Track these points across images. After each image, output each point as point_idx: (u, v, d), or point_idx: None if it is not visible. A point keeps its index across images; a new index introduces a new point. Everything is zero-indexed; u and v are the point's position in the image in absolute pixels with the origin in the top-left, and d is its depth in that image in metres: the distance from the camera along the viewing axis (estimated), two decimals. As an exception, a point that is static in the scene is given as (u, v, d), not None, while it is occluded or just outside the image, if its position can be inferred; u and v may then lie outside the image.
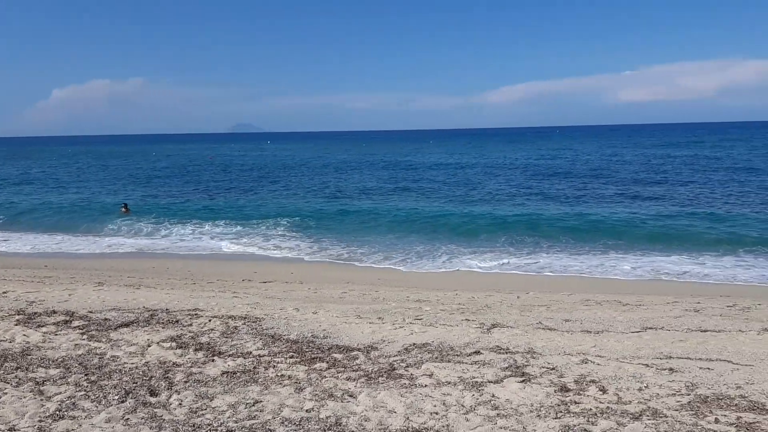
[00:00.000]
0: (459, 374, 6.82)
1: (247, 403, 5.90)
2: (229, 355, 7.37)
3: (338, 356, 7.48)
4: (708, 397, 6.16)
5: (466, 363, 7.21)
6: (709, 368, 7.03)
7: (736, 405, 5.97)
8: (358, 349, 7.72)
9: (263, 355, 7.39)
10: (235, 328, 8.66)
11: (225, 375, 6.69)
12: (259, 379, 6.56)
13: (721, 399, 6.11)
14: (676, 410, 5.86)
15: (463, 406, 5.98)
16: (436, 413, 5.81)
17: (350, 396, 6.15)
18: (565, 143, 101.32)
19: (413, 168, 56.29)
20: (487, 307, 10.59)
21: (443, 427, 5.53)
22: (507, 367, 7.03)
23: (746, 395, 6.18)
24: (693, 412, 5.79)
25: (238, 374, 6.73)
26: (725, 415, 5.72)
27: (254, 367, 6.93)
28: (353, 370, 6.93)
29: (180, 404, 5.87)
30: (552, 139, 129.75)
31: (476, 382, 6.58)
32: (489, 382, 6.59)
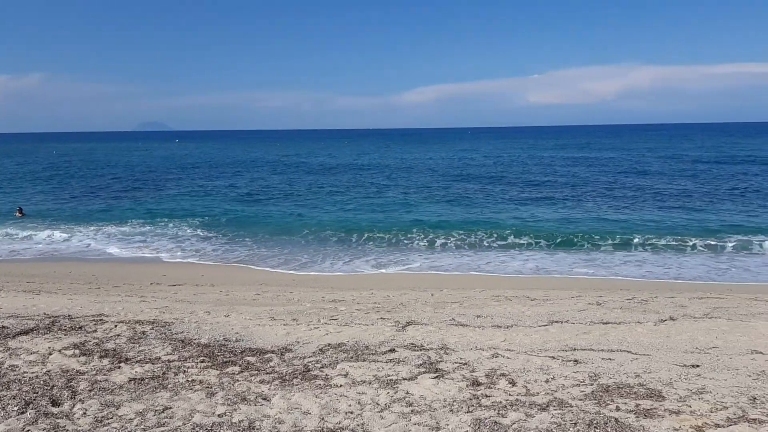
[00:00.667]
0: (374, 373, 6.86)
1: (156, 410, 5.71)
2: (137, 361, 7.10)
3: (251, 359, 7.36)
4: (609, 386, 6.47)
5: (381, 361, 7.25)
6: (610, 359, 7.38)
7: (635, 393, 6.29)
8: (272, 352, 7.63)
9: (173, 361, 7.17)
10: (143, 333, 8.36)
11: (132, 382, 6.45)
12: (169, 385, 6.36)
13: (621, 387, 6.43)
14: (581, 400, 6.11)
15: (378, 404, 6.01)
16: (351, 412, 5.82)
17: (264, 399, 6.06)
18: (475, 144, 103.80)
19: (327, 168, 56.16)
20: (402, 305, 10.70)
21: (358, 425, 5.55)
22: (421, 364, 7.12)
23: (644, 383, 6.53)
24: (596, 401, 6.06)
25: (147, 380, 6.50)
26: (625, 403, 6.03)
27: (163, 373, 6.72)
28: (267, 373, 6.84)
29: (84, 413, 5.61)
30: (463, 139, 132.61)
31: (391, 379, 6.63)
32: (404, 379, 6.66)
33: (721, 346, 7.90)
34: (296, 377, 6.71)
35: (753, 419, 5.59)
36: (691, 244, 19.19)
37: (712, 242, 19.37)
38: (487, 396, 6.18)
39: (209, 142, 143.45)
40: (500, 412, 5.79)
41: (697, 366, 7.07)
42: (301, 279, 15.37)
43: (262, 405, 5.91)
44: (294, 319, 9.40)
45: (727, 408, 5.85)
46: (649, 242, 19.69)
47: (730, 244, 19.15)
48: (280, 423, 5.51)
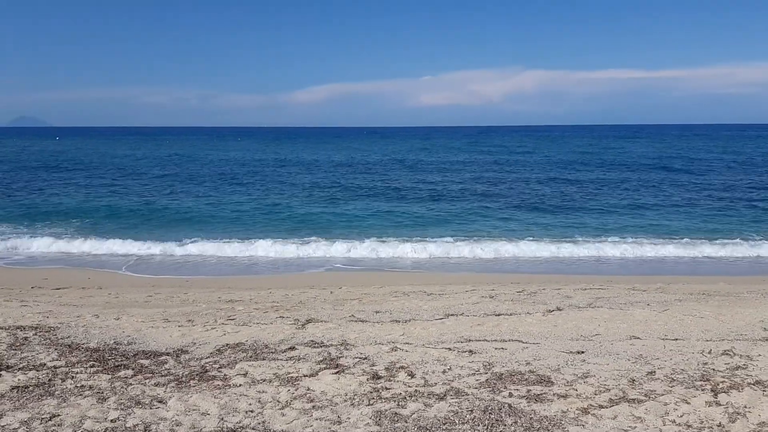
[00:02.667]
0: (274, 371, 6.81)
1: (42, 418, 5.40)
2: (20, 369, 6.68)
3: (145, 362, 7.11)
4: (503, 374, 6.75)
5: (281, 359, 7.21)
6: (503, 348, 7.70)
7: (526, 379, 6.61)
8: (167, 354, 7.40)
9: (59, 366, 6.80)
10: (25, 339, 7.87)
11: (15, 390, 6.07)
12: (56, 392, 6.04)
13: (513, 375, 6.73)
14: (476, 388, 6.35)
15: (278, 401, 5.98)
16: (252, 411, 5.76)
17: (159, 402, 5.88)
18: (370, 143, 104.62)
19: (213, 163, 54.78)
20: (301, 303, 10.66)
21: (259, 423, 5.50)
22: (321, 360, 7.14)
23: (534, 370, 6.86)
24: (490, 389, 6.32)
25: (31, 388, 6.14)
26: (517, 389, 6.32)
27: (49, 380, 6.36)
28: (162, 375, 6.63)
29: (-40, 426, 5.23)
30: (359, 138, 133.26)
31: (291, 377, 6.61)
32: (304, 376, 6.65)
33: (603, 333, 8.43)
34: (193, 378, 6.55)
35: (632, 399, 6.01)
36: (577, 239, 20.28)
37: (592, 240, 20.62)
38: (387, 389, 6.29)
39: (92, 139, 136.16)
40: (400, 403, 5.92)
41: (582, 352, 7.51)
42: (195, 280, 14.95)
43: (158, 408, 5.73)
44: (189, 320, 9.15)
45: (610, 390, 6.27)
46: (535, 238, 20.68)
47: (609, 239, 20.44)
48: (177, 425, 5.37)
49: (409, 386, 6.32)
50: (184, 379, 6.52)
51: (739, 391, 6.11)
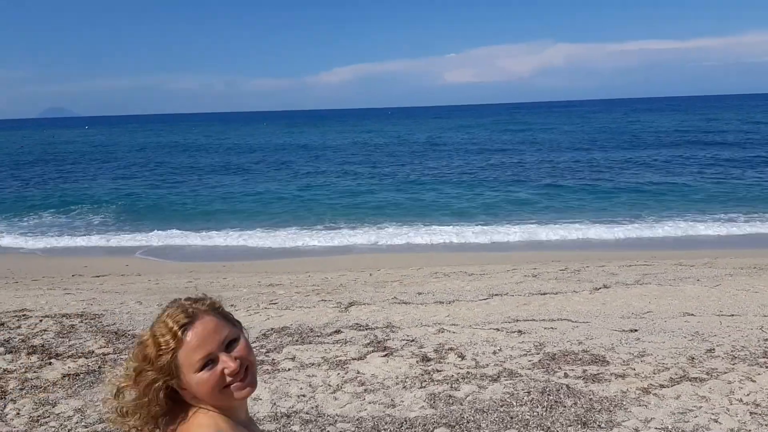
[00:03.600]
0: (322, 354, 6.74)
1: (96, 406, 5.39)
2: (69, 356, 6.70)
3: (192, 347, 7.09)
4: (555, 354, 6.59)
5: (327, 343, 7.14)
6: (552, 328, 7.52)
7: (580, 359, 6.44)
8: (214, 339, 7.37)
9: (108, 353, 6.81)
10: (72, 326, 7.90)
11: (66, 378, 6.08)
12: (107, 379, 6.03)
13: (567, 355, 6.56)
14: (529, 369, 6.20)
15: (329, 385, 5.91)
16: (303, 395, 5.70)
17: (211, 387, 5.85)
18: (397, 123, 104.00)
19: (242, 150, 54.96)
20: (341, 286, 10.57)
21: (312, 408, 5.43)
22: (368, 343, 7.05)
23: (587, 350, 6.69)
24: (544, 369, 6.16)
25: (82, 375, 6.15)
26: (573, 369, 6.15)
27: (99, 367, 6.37)
28: (211, 361, 6.61)
29: (18, 414, 5.24)
30: (385, 120, 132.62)
31: (340, 360, 6.54)
32: (353, 359, 6.57)
33: (654, 310, 8.20)
34: (242, 364, 6.50)
35: (694, 378, 5.82)
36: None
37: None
38: (438, 371, 6.18)
39: (119, 127, 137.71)
40: (453, 385, 5.81)
41: (635, 330, 7.30)
42: (232, 265, 14.97)
43: (210, 394, 5.69)
44: (232, 305, 9.12)
45: (669, 369, 6.07)
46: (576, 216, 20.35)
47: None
48: (231, 411, 5.32)
49: (460, 368, 6.20)
50: (233, 364, 6.48)
51: (807, 368, 5.87)
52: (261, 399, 5.59)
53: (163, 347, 1.55)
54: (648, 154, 38.50)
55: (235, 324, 1.71)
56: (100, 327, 7.95)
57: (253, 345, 6.36)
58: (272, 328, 7.75)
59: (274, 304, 9.20)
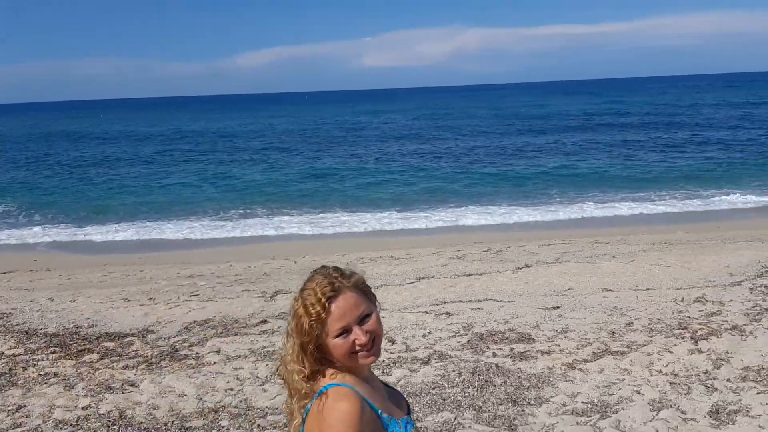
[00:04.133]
0: (248, 346, 6.56)
1: (9, 410, 5.04)
2: (-26, 360, 6.25)
3: (110, 345, 6.75)
4: (483, 334, 6.66)
5: (254, 334, 6.96)
6: (479, 308, 7.61)
7: (507, 338, 6.53)
8: (132, 335, 7.05)
9: (19, 354, 6.39)
10: (-24, 328, 7.38)
11: (-28, 383, 5.66)
12: (19, 382, 5.65)
13: (494, 334, 6.64)
14: (459, 350, 6.24)
15: (258, 377, 5.76)
16: (231, 389, 5.52)
17: (131, 385, 5.58)
18: (314, 109, 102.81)
19: (153, 138, 53.07)
20: (266, 275, 10.35)
21: (241, 402, 5.27)
22: (296, 332, 6.91)
23: (514, 328, 6.80)
24: (473, 350, 6.22)
25: (-10, 380, 5.74)
26: (500, 348, 6.24)
27: (10, 369, 5.96)
28: (130, 358, 6.30)
29: None
30: (303, 104, 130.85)
31: (268, 351, 6.38)
32: (281, 349, 6.41)
33: (574, 287, 8.43)
34: (164, 359, 6.25)
35: (615, 351, 6.00)
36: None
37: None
38: (368, 357, 6.12)
39: (21, 115, 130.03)
40: (384, 370, 5.77)
41: (558, 307, 7.48)
42: (148, 257, 14.38)
43: (131, 392, 5.43)
44: (150, 299, 8.76)
45: (591, 344, 6.25)
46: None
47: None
48: (154, 408, 5.09)
49: (391, 353, 6.17)
50: (154, 360, 6.21)
51: (718, 338, 6.17)
52: (186, 395, 5.38)
53: (314, 317, 1.86)
54: (559, 137, 39.74)
55: (372, 300, 1.98)
56: (9, 327, 7.47)
57: (174, 339, 6.10)
58: (195, 321, 7.49)
59: (195, 296, 8.90)
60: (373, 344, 1.91)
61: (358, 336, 1.87)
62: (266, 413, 5.03)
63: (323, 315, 1.86)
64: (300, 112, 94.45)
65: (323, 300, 1.87)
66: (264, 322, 7.36)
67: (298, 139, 47.08)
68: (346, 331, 1.87)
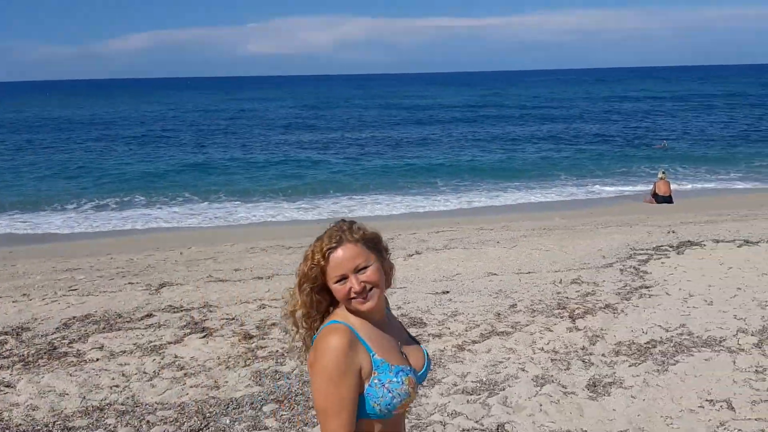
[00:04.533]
0: (134, 341, 6.29)
1: None
2: None
3: (-21, 345, 6.26)
4: (376, 320, 6.76)
5: (139, 328, 6.68)
6: (372, 295, 7.69)
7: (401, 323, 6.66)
8: (5, 333, 6.57)
9: None
10: None
11: None
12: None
13: (386, 320, 6.76)
14: (352, 337, 6.30)
15: (145, 373, 5.54)
16: (117, 386, 5.29)
17: (7, 386, 5.21)
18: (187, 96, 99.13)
19: (21, 124, 49.55)
20: (150, 267, 9.94)
21: (128, 398, 5.06)
22: (185, 325, 6.71)
23: (406, 313, 6.93)
24: (366, 336, 6.30)
25: None
26: (393, 334, 6.35)
27: None
28: (4, 357, 5.89)
29: None
30: (184, 90, 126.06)
31: (155, 345, 6.15)
32: (169, 343, 6.22)
33: (462, 272, 8.72)
34: (41, 357, 5.88)
35: (501, 332, 6.28)
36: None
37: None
38: (261, 347, 6.06)
39: None
40: (278, 360, 5.73)
41: (447, 292, 7.71)
42: (20, 250, 13.46)
43: (6, 393, 5.08)
44: (24, 295, 8.20)
45: (479, 325, 6.50)
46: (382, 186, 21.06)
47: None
48: (33, 410, 4.79)
49: (284, 342, 6.12)
50: (30, 358, 5.83)
51: (593, 316, 6.60)
52: (68, 393, 5.10)
53: (313, 264, 2.13)
54: (444, 127, 40.85)
55: (378, 253, 2.19)
56: None
57: (52, 336, 5.75)
58: (74, 317, 7.09)
59: (74, 290, 8.43)
60: (368, 293, 2.12)
61: (353, 284, 2.10)
62: (155, 409, 4.86)
63: (322, 263, 2.12)
64: (181, 98, 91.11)
65: (324, 250, 2.12)
66: (149, 315, 7.08)
67: (180, 127, 45.52)
68: (343, 278, 2.11)
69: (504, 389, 5.01)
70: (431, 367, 2.87)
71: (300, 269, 2.19)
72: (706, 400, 4.70)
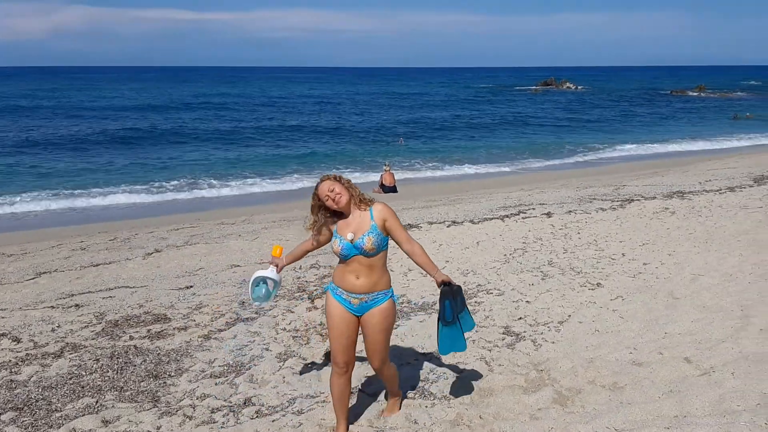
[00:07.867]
0: None
1: None
2: None
3: None
4: (118, 320, 6.69)
5: None
6: (111, 296, 7.55)
7: (143, 321, 6.68)
8: None
9: None
10: None
11: None
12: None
13: (129, 319, 6.72)
14: (93, 339, 6.19)
15: None
16: None
17: None
18: None
19: None
20: None
21: None
22: None
23: (149, 311, 6.96)
24: (109, 337, 6.23)
25: None
26: (137, 332, 6.37)
27: None
28: None
29: None
30: None
31: None
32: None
33: (205, 266, 8.89)
34: None
35: (246, 318, 6.65)
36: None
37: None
38: (-9, 359, 5.68)
39: None
40: (12, 370, 5.46)
41: (191, 287, 7.86)
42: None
43: None
44: None
45: (225, 315, 6.79)
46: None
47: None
48: None
49: (18, 351, 5.82)
50: None
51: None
52: None
53: (314, 195, 4.04)
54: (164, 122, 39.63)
55: (343, 185, 4.00)
56: None
57: None
58: None
59: None
60: (333, 199, 3.91)
61: (326, 195, 3.92)
62: None
63: (316, 192, 3.99)
64: None
65: (316, 187, 4.02)
66: None
67: None
68: (326, 197, 3.93)
69: (250, 368, 5.39)
70: (367, 238, 3.98)
71: (311, 202, 4.04)
72: (420, 354, 5.59)
